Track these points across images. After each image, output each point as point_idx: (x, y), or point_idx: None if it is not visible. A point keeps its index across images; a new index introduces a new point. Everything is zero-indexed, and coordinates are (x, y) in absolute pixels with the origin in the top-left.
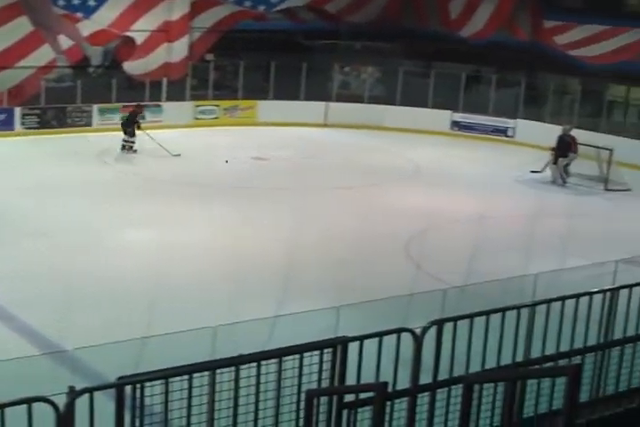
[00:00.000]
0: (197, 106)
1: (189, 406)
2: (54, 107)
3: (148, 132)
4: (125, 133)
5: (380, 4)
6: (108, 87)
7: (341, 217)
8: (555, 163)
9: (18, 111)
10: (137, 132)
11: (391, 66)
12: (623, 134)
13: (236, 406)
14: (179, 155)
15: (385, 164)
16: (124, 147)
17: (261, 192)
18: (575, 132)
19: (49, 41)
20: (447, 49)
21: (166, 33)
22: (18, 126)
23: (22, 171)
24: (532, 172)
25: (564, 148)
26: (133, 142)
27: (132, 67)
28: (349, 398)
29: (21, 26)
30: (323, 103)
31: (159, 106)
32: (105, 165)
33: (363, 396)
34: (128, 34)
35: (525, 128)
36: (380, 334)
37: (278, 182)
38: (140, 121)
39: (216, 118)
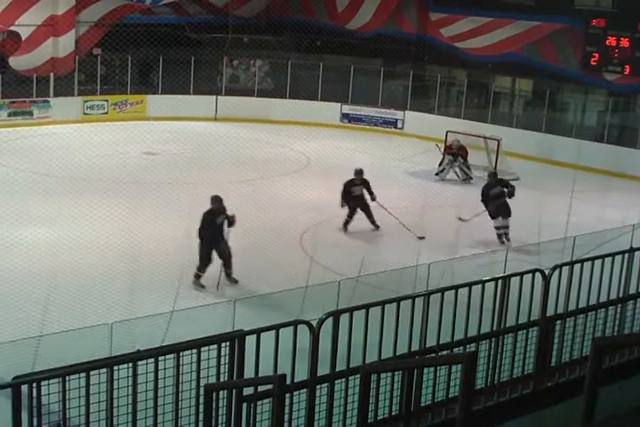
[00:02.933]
0: (86, 101)
1: (88, 404)
2: None
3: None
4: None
5: None
6: None
7: (234, 211)
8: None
9: None
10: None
11: (280, 59)
12: (510, 124)
13: (135, 402)
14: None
15: (276, 157)
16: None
17: (152, 187)
18: (463, 124)
19: None
20: (335, 42)
21: (52, 27)
22: None
23: None
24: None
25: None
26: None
27: (18, 62)
28: (248, 391)
29: None
30: (212, 97)
31: (47, 101)
32: None
33: (262, 389)
34: (13, 28)
35: (414, 120)
36: (277, 327)
37: (169, 177)
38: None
39: (105, 113)
